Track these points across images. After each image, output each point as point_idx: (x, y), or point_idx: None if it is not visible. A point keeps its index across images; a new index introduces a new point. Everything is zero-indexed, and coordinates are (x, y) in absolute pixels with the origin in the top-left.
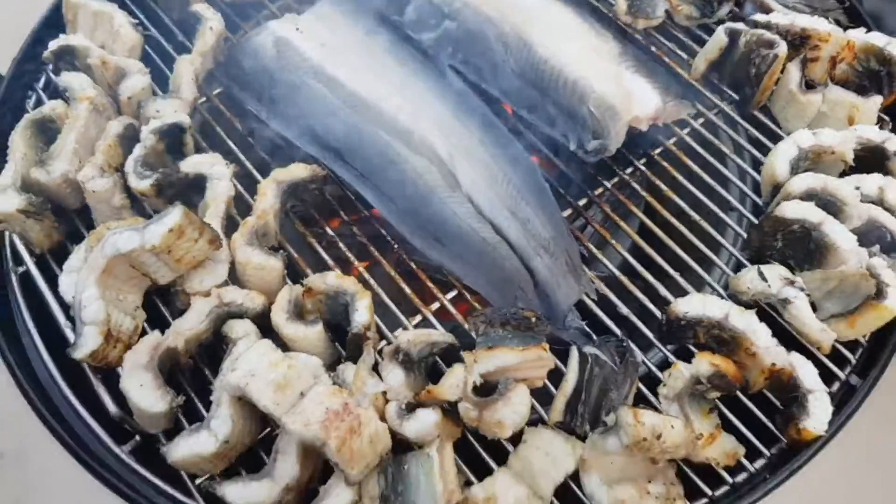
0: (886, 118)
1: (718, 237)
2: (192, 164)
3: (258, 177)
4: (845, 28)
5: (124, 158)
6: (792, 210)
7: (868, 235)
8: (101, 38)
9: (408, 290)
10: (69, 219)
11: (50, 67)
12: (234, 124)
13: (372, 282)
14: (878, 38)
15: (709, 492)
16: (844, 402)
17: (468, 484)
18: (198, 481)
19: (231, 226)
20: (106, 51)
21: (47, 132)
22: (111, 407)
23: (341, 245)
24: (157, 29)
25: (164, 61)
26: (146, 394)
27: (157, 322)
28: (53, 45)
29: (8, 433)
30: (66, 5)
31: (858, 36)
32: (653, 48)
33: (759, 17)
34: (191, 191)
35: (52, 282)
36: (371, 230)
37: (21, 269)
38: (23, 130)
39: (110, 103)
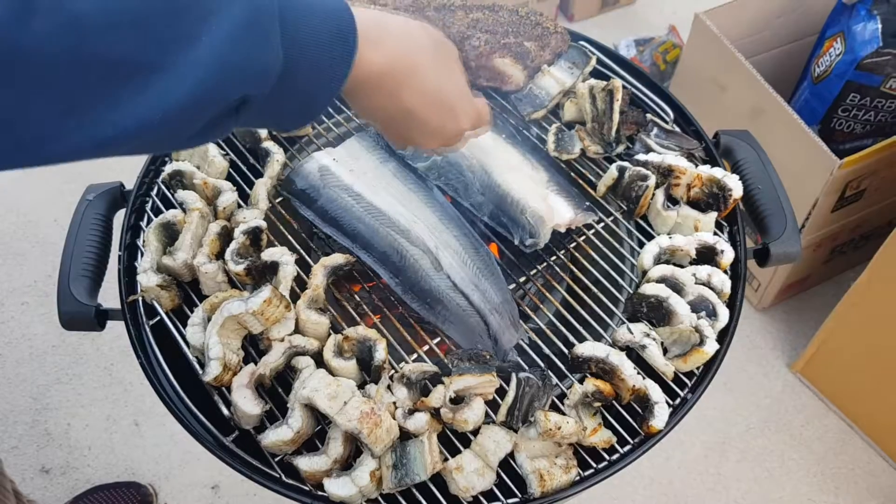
0: (725, 223)
1: (611, 305)
2: (269, 253)
3: (310, 261)
4: (701, 162)
5: (220, 249)
6: (650, 289)
7: (698, 306)
8: (197, 162)
9: (407, 336)
10: (183, 288)
11: (160, 181)
12: (292, 225)
13: (384, 330)
14: (718, 172)
15: (593, 464)
16: (680, 409)
17: (446, 459)
18: (276, 458)
19: (293, 295)
20: (202, 172)
21: (168, 230)
22: (225, 411)
23: (363, 305)
24: (234, 153)
25: (241, 178)
26: (248, 403)
27: (249, 357)
28: (169, 168)
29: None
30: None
31: (706, 170)
32: (571, 174)
33: (641, 156)
34: (268, 272)
35: (176, 328)
36: (382, 294)
37: (151, 322)
38: (154, 230)
39: (210, 211)
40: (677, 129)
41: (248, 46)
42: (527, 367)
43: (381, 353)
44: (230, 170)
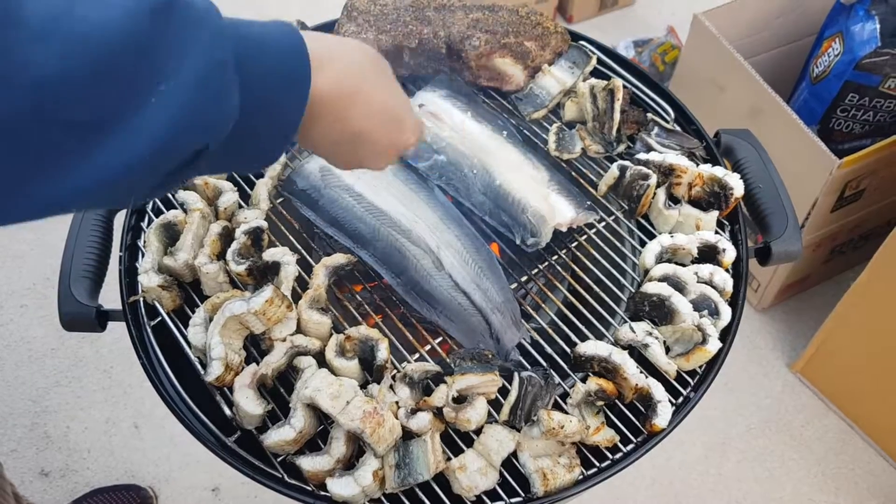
0: (726, 222)
1: (613, 304)
2: (270, 254)
3: (311, 261)
4: (702, 161)
5: (222, 249)
6: (652, 287)
7: (700, 304)
8: None
9: (409, 335)
10: (185, 289)
11: None
12: (293, 225)
13: (385, 329)
14: (719, 171)
15: (597, 463)
16: (683, 407)
17: (448, 459)
18: (278, 459)
19: (294, 295)
20: None
21: (169, 231)
22: (227, 411)
23: (365, 304)
24: None
25: (242, 178)
26: (250, 403)
27: (250, 357)
28: None
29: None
30: None
31: (707, 169)
32: (572, 173)
33: (642, 155)
34: (269, 272)
35: (178, 329)
36: (383, 294)
37: (153, 323)
38: (155, 230)
39: (211, 211)
40: (678, 128)
41: (205, 99)
42: (529, 367)
43: (383, 353)
44: None
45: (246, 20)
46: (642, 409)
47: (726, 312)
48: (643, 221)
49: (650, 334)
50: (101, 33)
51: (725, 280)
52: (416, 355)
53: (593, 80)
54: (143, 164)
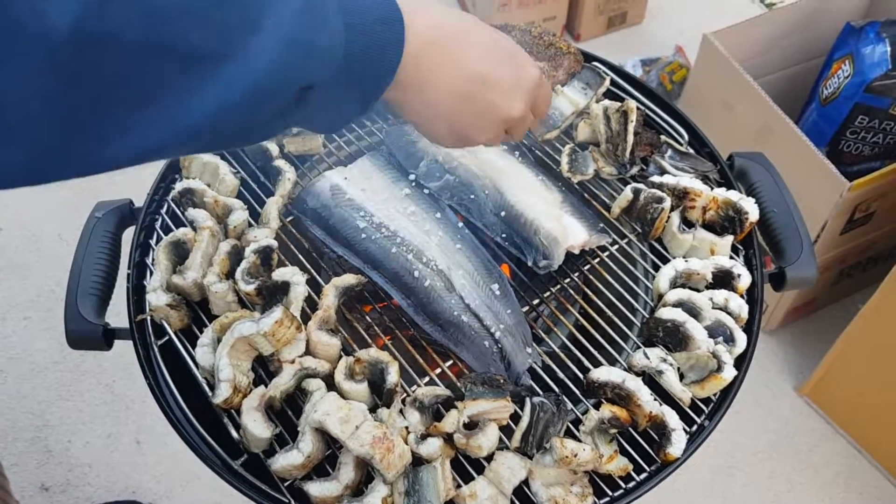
0: (741, 247)
1: (626, 329)
2: (280, 273)
3: (321, 281)
4: (716, 184)
5: (231, 268)
6: (667, 313)
7: (715, 331)
8: (208, 180)
9: (419, 358)
10: (193, 308)
11: (170, 199)
12: (303, 244)
13: (395, 352)
14: (734, 195)
15: (609, 492)
16: (697, 436)
17: (459, 486)
18: (286, 483)
19: (303, 315)
20: (213, 190)
21: (178, 249)
22: (234, 434)
23: (374, 326)
24: (245, 172)
25: (251, 196)
26: (258, 426)
27: (258, 379)
28: (179, 186)
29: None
30: (183, 156)
31: (721, 192)
32: (585, 195)
33: (656, 178)
34: (278, 292)
35: (185, 349)
36: (393, 315)
37: (160, 342)
38: (164, 248)
39: (220, 229)
40: (692, 150)
41: (310, 27)
42: (540, 392)
43: (393, 377)
44: (241, 188)
45: None
46: (656, 437)
47: (741, 339)
48: (656, 245)
49: (664, 361)
50: None
51: (741, 306)
52: (426, 378)
53: (606, 102)
54: (259, 90)
